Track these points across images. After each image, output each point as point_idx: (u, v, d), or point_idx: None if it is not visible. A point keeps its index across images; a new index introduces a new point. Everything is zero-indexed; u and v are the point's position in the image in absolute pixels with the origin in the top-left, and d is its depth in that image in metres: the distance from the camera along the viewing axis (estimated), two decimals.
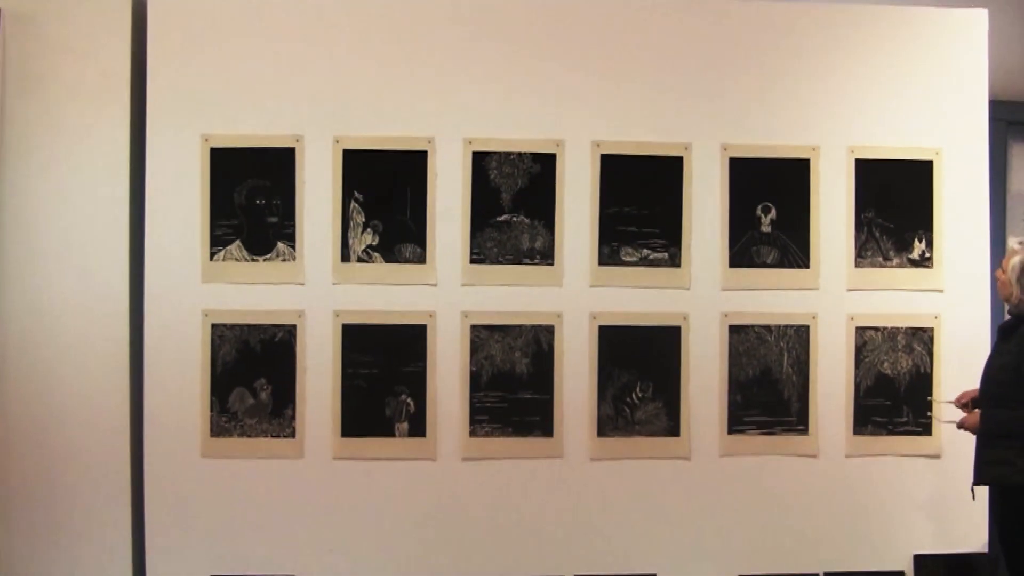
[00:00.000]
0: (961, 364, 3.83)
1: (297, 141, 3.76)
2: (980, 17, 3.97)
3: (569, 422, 3.81)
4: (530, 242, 3.80)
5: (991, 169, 4.00)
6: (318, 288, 3.76)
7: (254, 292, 3.76)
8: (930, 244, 3.92)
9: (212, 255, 3.75)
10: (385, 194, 3.77)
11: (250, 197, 3.76)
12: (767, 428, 3.86)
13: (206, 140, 3.75)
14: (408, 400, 3.77)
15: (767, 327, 3.86)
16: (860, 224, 3.89)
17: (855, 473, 3.89)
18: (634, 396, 3.83)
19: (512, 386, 3.78)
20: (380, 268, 3.77)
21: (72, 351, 3.71)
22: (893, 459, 3.90)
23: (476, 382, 3.78)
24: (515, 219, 3.80)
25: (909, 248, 3.92)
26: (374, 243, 3.77)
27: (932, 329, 3.90)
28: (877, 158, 3.90)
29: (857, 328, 3.88)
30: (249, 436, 3.75)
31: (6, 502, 3.70)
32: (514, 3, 3.83)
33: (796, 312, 3.87)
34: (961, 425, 3.50)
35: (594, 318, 3.81)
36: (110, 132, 3.72)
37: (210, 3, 3.75)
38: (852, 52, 3.92)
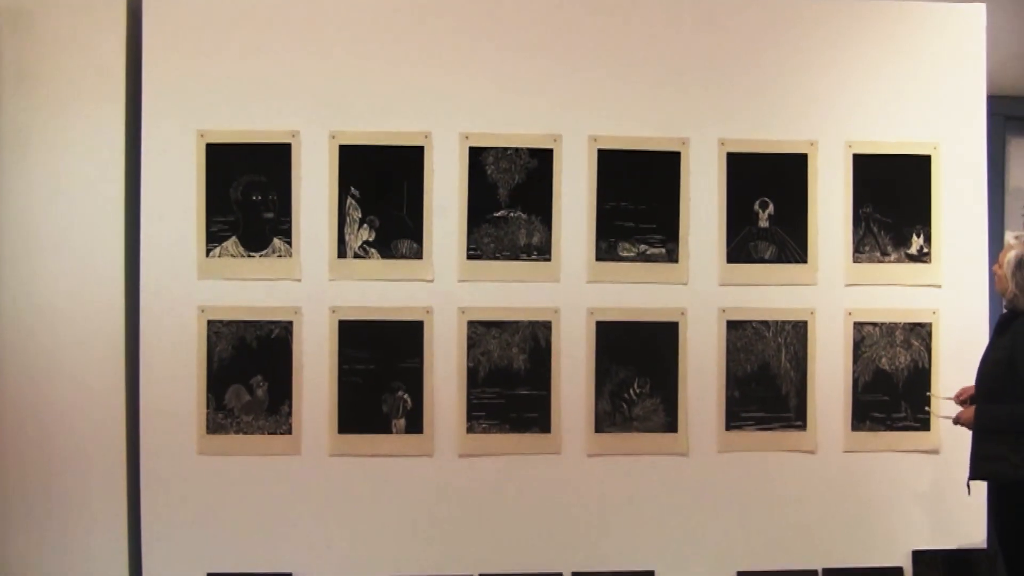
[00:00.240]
0: (959, 359, 3.83)
1: (293, 136, 3.75)
2: (978, 12, 3.97)
3: (567, 418, 3.80)
4: (527, 238, 3.79)
5: (989, 164, 3.99)
6: (314, 284, 3.75)
7: (250, 288, 3.75)
8: (928, 239, 3.91)
9: (208, 251, 3.73)
10: (382, 190, 3.76)
11: (246, 193, 3.75)
12: (765, 424, 3.86)
13: (202, 136, 3.73)
14: (405, 396, 3.76)
15: (765, 322, 3.86)
16: (858, 219, 3.89)
17: (853, 469, 3.88)
18: (632, 392, 3.82)
19: (509, 382, 3.77)
20: (377, 264, 3.76)
21: (68, 348, 3.70)
22: (891, 455, 3.90)
23: (473, 378, 3.77)
24: (512, 214, 3.79)
25: (907, 243, 3.91)
26: (371, 239, 3.76)
27: (930, 324, 3.89)
28: (875, 153, 3.90)
29: (855, 323, 3.88)
30: (245, 433, 3.74)
31: (2, 499, 3.69)
32: None
33: (794, 307, 3.87)
34: (957, 420, 3.50)
35: (591, 314, 3.80)
36: (106, 128, 3.71)
37: None
38: (850, 47, 3.91)
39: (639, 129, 3.83)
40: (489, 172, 3.79)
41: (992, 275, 3.60)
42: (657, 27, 3.85)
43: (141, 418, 3.72)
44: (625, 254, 3.82)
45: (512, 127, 3.79)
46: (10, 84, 3.70)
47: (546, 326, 3.79)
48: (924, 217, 3.91)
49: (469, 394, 3.77)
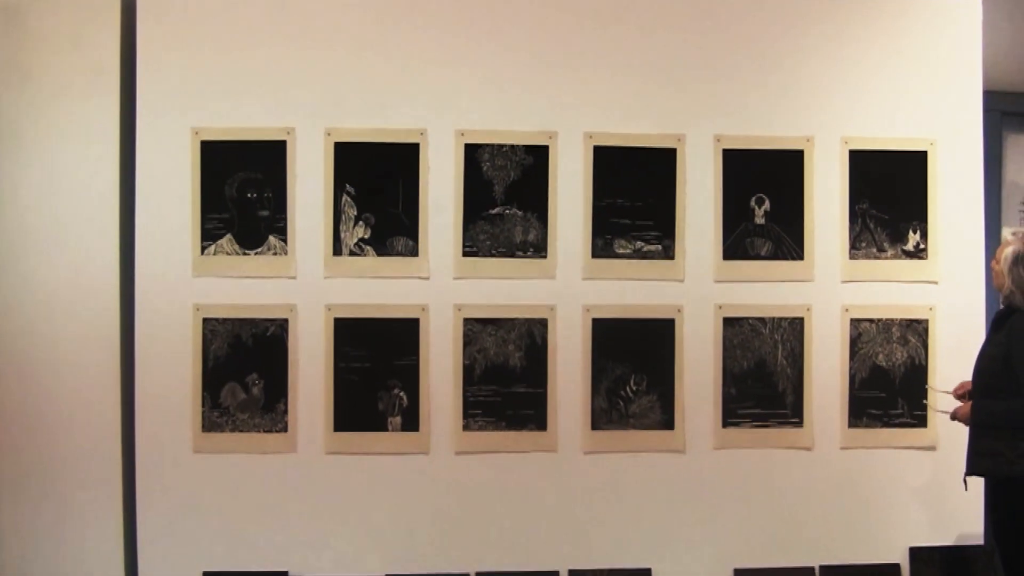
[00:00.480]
0: (956, 355, 3.81)
1: (288, 134, 3.74)
2: (974, 7, 3.96)
3: (563, 416, 3.79)
4: (523, 235, 3.78)
5: (986, 160, 3.98)
6: (310, 282, 3.74)
7: (245, 286, 3.74)
8: (924, 235, 3.91)
9: (203, 249, 3.72)
10: (377, 187, 3.75)
11: (241, 190, 3.74)
12: (762, 421, 3.85)
13: (196, 133, 3.72)
14: (401, 394, 3.75)
15: (761, 319, 3.85)
16: (854, 215, 3.88)
17: (850, 465, 3.88)
18: (628, 389, 3.81)
19: (505, 380, 3.77)
20: (372, 261, 3.75)
21: (62, 346, 3.69)
22: (888, 451, 3.89)
23: (469, 376, 3.76)
24: (508, 212, 3.78)
25: (903, 239, 3.90)
26: (366, 236, 3.75)
27: (927, 321, 3.89)
28: (871, 149, 3.89)
29: (852, 320, 3.87)
30: (241, 431, 3.73)
31: None
32: None
33: (790, 304, 3.86)
34: (954, 416, 3.49)
35: (588, 311, 3.80)
36: (100, 125, 3.70)
37: None
38: (846, 43, 3.90)
39: (635, 126, 3.82)
40: (485, 169, 3.78)
41: (989, 271, 3.60)
42: (653, 24, 3.84)
43: (136, 416, 3.71)
44: (621, 251, 3.81)
45: (508, 124, 3.78)
46: (4, 81, 3.68)
47: (542, 323, 3.78)
48: (920, 213, 3.91)
49: (465, 392, 3.76)
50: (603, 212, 3.79)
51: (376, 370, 3.74)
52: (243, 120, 3.72)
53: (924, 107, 3.92)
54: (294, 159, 3.73)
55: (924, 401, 3.84)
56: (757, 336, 3.85)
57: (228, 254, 3.73)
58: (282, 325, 3.73)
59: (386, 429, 3.75)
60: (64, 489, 3.69)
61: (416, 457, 3.76)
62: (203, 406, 3.72)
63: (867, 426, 3.88)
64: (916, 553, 3.88)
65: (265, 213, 3.74)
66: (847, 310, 3.87)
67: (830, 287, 3.87)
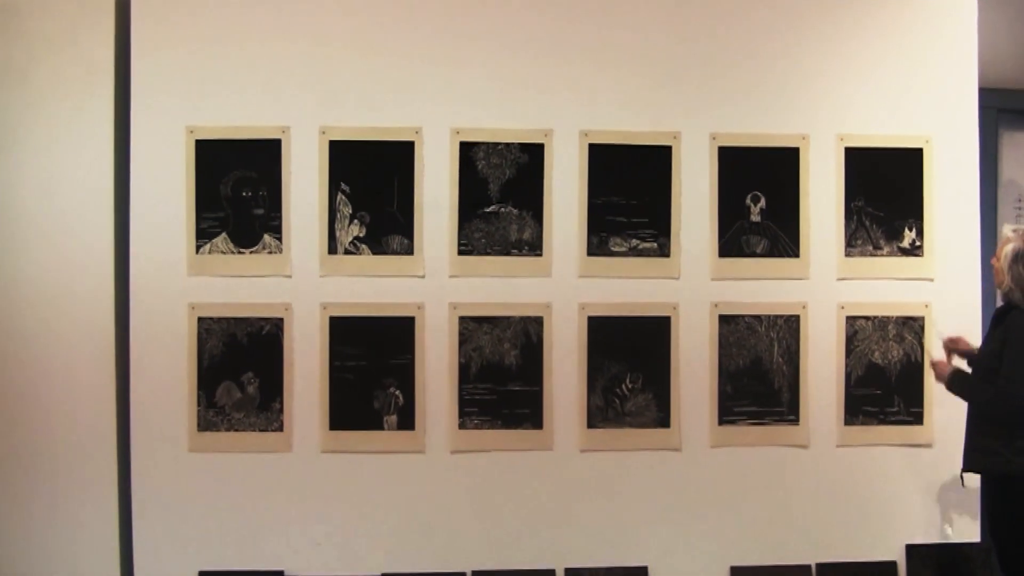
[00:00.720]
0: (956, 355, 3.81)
1: (283, 132, 3.73)
2: (969, 4, 3.95)
3: (559, 414, 3.79)
4: (518, 233, 3.78)
5: (982, 157, 3.98)
6: (305, 280, 3.73)
7: (240, 285, 3.73)
8: (920, 233, 3.90)
9: (198, 248, 3.72)
10: (372, 185, 3.74)
11: (236, 189, 3.73)
12: (758, 419, 3.85)
13: (191, 132, 3.72)
14: (396, 393, 3.75)
15: (757, 317, 3.85)
16: (850, 213, 3.88)
17: (846, 463, 3.87)
18: (624, 387, 3.80)
19: (501, 378, 3.76)
20: (367, 260, 3.74)
21: (58, 346, 3.69)
22: (884, 449, 3.89)
23: (465, 374, 3.76)
24: (503, 210, 3.77)
25: (899, 237, 3.90)
26: (361, 235, 3.75)
27: (923, 318, 3.88)
28: (867, 146, 3.89)
29: (848, 317, 3.87)
30: (236, 430, 3.72)
31: None
32: None
33: (786, 302, 3.86)
34: (934, 365, 3.58)
35: (583, 309, 3.79)
36: (94, 124, 3.70)
37: None
38: (841, 40, 3.90)
39: (630, 123, 3.82)
40: (480, 167, 3.77)
41: (986, 268, 3.60)
42: (648, 22, 3.84)
43: (132, 415, 3.71)
44: (616, 249, 3.80)
45: (503, 122, 3.78)
46: None
47: (538, 321, 3.77)
48: (916, 211, 3.90)
49: (461, 390, 3.75)
50: (598, 210, 3.79)
51: (372, 369, 3.74)
52: (238, 119, 3.72)
53: (920, 104, 3.92)
54: (289, 157, 3.73)
55: (921, 344, 3.74)
56: (753, 334, 3.85)
57: (223, 253, 3.73)
58: (277, 324, 3.72)
59: (382, 428, 3.75)
60: (59, 489, 3.69)
61: (412, 456, 3.76)
62: (198, 405, 3.71)
63: (863, 424, 3.87)
64: (912, 550, 3.88)
65: (260, 212, 3.73)
66: (843, 307, 3.87)
67: (826, 284, 3.87)
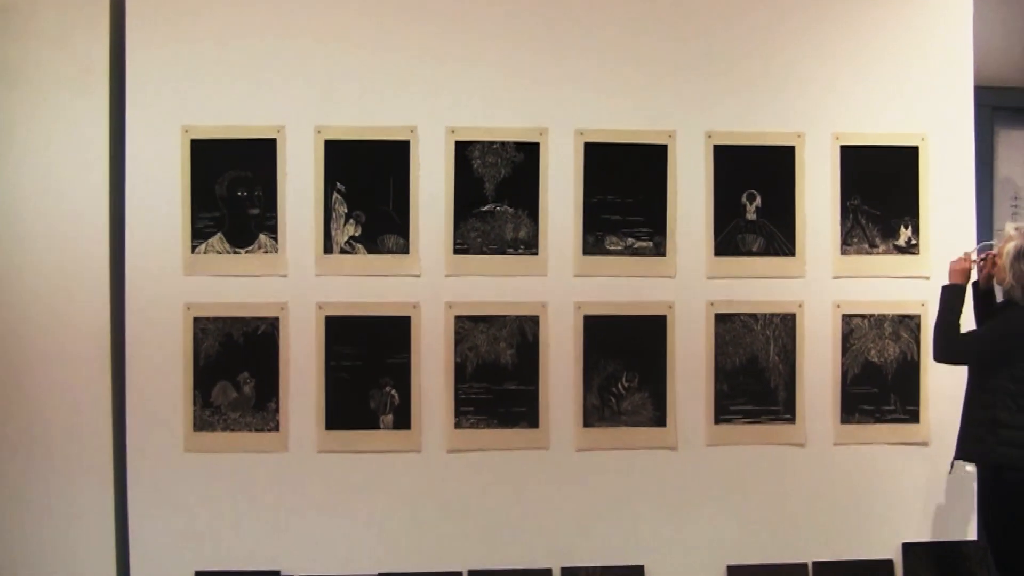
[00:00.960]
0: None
1: (279, 132, 3.73)
2: (964, 2, 3.95)
3: (555, 413, 3.78)
4: (514, 232, 3.78)
5: (978, 155, 3.98)
6: (301, 280, 3.73)
7: (236, 285, 3.73)
8: (916, 231, 3.90)
9: (194, 248, 3.72)
10: (368, 185, 3.74)
11: (231, 189, 3.73)
12: (754, 417, 3.84)
13: (186, 131, 3.72)
14: (392, 392, 3.75)
15: (753, 315, 3.84)
16: (846, 211, 3.88)
17: (843, 462, 3.87)
18: (620, 386, 3.80)
19: (497, 377, 3.76)
20: (363, 259, 3.74)
21: (53, 346, 3.68)
22: (881, 447, 3.89)
23: (461, 373, 3.75)
24: (499, 209, 3.77)
25: (895, 235, 3.90)
26: (357, 234, 3.74)
27: (919, 316, 3.88)
28: (862, 145, 3.89)
29: (843, 316, 3.87)
30: (233, 430, 3.72)
31: None
32: None
33: (782, 300, 3.86)
34: (957, 261, 3.58)
35: (579, 308, 3.79)
36: (89, 124, 3.70)
37: None
38: (837, 38, 3.90)
39: (626, 122, 3.81)
40: (475, 166, 3.77)
41: (981, 267, 3.59)
42: (643, 20, 3.83)
43: (127, 416, 3.70)
44: (612, 248, 3.80)
45: (498, 121, 3.78)
46: None
47: (533, 320, 3.77)
48: (912, 209, 3.90)
49: (457, 389, 3.75)
50: (594, 209, 3.79)
51: (368, 368, 3.73)
52: (233, 118, 3.72)
53: (915, 102, 3.91)
54: (284, 157, 3.73)
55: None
56: (749, 332, 3.85)
57: (219, 253, 3.72)
58: (273, 323, 3.72)
59: (378, 427, 3.74)
60: (56, 489, 3.69)
61: (408, 455, 3.76)
62: (194, 405, 3.71)
63: (860, 422, 3.87)
64: (909, 549, 3.88)
65: (255, 211, 3.73)
66: (839, 306, 3.87)
67: (822, 283, 3.87)
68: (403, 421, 3.75)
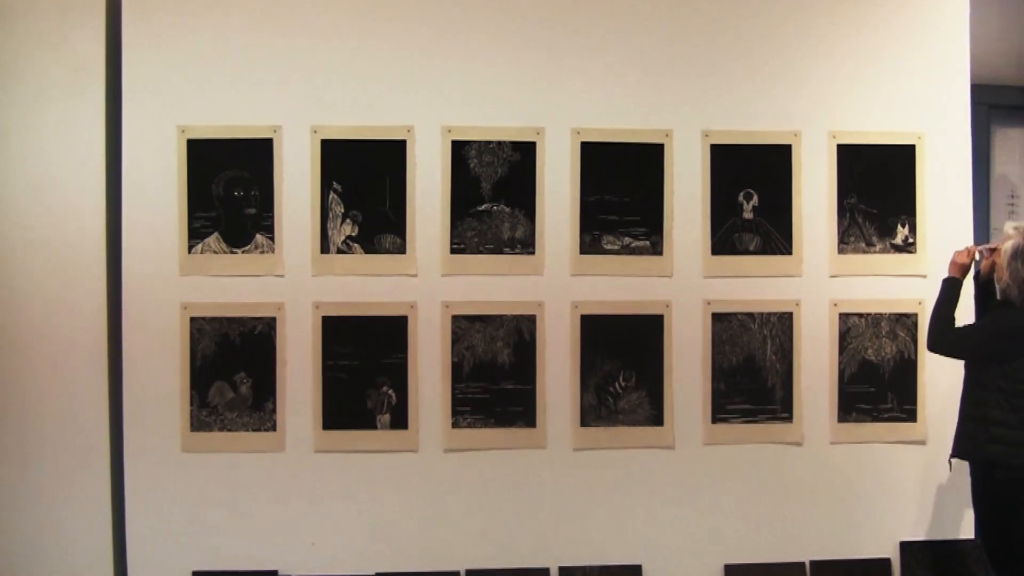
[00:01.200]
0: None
1: (275, 132, 3.73)
2: (961, 1, 3.95)
3: (552, 412, 3.78)
4: (511, 231, 3.77)
5: (974, 153, 3.98)
6: (297, 280, 3.73)
7: (233, 285, 3.73)
8: (913, 229, 3.90)
9: (190, 248, 3.72)
10: (364, 184, 3.74)
11: (228, 188, 3.73)
12: (751, 416, 3.84)
13: (183, 131, 3.71)
14: (389, 392, 3.75)
15: (750, 314, 3.84)
16: (842, 210, 3.88)
17: (840, 460, 3.87)
18: (617, 385, 3.80)
19: (494, 377, 3.76)
20: (360, 259, 3.74)
21: (50, 346, 3.68)
22: (878, 446, 3.89)
23: (458, 373, 3.75)
24: (495, 208, 3.77)
25: (892, 233, 3.90)
26: (353, 234, 3.74)
27: (916, 315, 3.88)
28: (859, 143, 3.88)
29: (840, 314, 3.87)
30: (230, 430, 3.72)
31: None
32: None
33: (779, 299, 3.86)
34: (960, 253, 3.58)
35: (576, 307, 3.79)
36: (85, 124, 3.70)
37: None
38: (833, 37, 3.89)
39: (622, 121, 3.81)
40: (472, 166, 3.77)
41: (978, 265, 3.59)
42: (639, 19, 3.83)
43: (124, 416, 3.70)
44: (609, 247, 3.80)
45: (494, 120, 3.77)
46: None
47: (530, 320, 3.77)
48: (909, 207, 3.90)
49: (454, 389, 3.75)
50: (591, 208, 3.79)
51: (364, 368, 3.73)
52: (229, 118, 3.72)
53: (912, 101, 3.91)
54: (281, 157, 3.73)
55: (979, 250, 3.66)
56: (746, 331, 3.85)
57: (215, 252, 3.72)
58: (270, 323, 3.72)
59: (375, 427, 3.74)
60: (53, 489, 3.69)
61: (405, 455, 3.76)
62: (191, 405, 3.71)
63: (857, 421, 3.87)
64: (906, 547, 3.88)
65: (252, 211, 3.73)
66: (836, 305, 3.87)
67: (819, 282, 3.87)
68: (400, 421, 3.74)
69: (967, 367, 3.51)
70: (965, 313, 3.65)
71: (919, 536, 3.90)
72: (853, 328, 3.87)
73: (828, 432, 3.87)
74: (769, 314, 3.85)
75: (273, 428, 3.73)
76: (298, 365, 3.73)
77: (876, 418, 3.88)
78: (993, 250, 3.51)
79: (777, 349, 3.85)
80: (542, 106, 3.79)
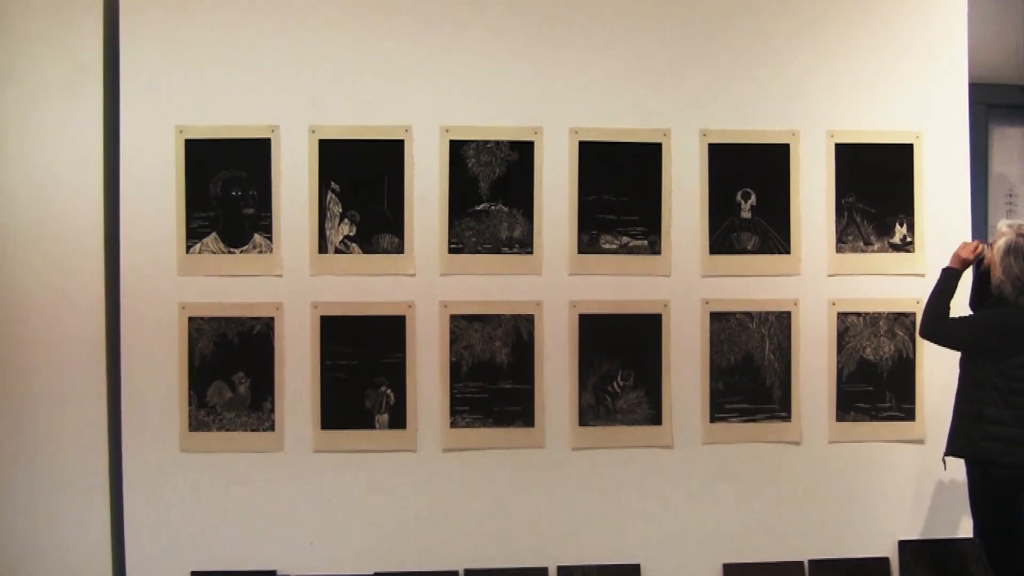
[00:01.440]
0: (944, 349, 3.80)
1: (272, 131, 3.73)
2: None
3: (550, 412, 3.78)
4: (509, 231, 3.77)
5: (972, 152, 3.98)
6: (296, 280, 3.73)
7: (231, 284, 3.73)
8: (911, 228, 3.90)
9: (188, 248, 3.72)
10: (362, 184, 3.74)
11: (226, 188, 3.73)
12: (749, 415, 3.84)
13: (180, 132, 3.71)
14: (388, 391, 3.75)
15: (748, 314, 3.84)
16: (841, 209, 3.87)
17: (838, 459, 3.87)
18: (615, 385, 3.80)
19: (492, 376, 3.76)
20: (358, 259, 3.74)
21: (48, 346, 3.68)
22: (876, 445, 3.89)
23: (456, 372, 3.75)
24: (493, 208, 3.77)
25: (890, 233, 3.90)
26: (351, 233, 3.74)
27: (914, 314, 3.87)
28: (857, 142, 3.88)
29: (839, 314, 3.87)
30: (228, 430, 3.72)
31: None
32: None
33: (777, 298, 3.85)
34: (963, 247, 3.56)
35: (574, 306, 3.79)
36: (83, 125, 3.69)
37: None
38: (831, 36, 3.89)
39: (620, 121, 3.81)
40: (470, 165, 3.77)
41: (976, 264, 3.59)
42: (638, 18, 3.83)
43: (123, 416, 3.70)
44: (607, 246, 3.80)
45: (493, 120, 3.77)
46: None
47: (528, 319, 3.77)
48: (907, 206, 3.90)
49: (452, 388, 3.75)
50: (589, 207, 3.79)
51: (363, 368, 3.73)
52: (227, 118, 3.72)
53: (910, 100, 3.91)
54: (279, 157, 3.72)
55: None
56: (744, 331, 3.84)
57: (213, 252, 3.72)
58: (268, 323, 3.72)
59: (373, 427, 3.74)
60: (51, 489, 3.69)
61: (403, 455, 3.76)
62: (189, 405, 3.71)
63: (855, 420, 3.87)
64: (905, 546, 3.88)
65: (250, 211, 3.73)
66: (834, 304, 3.87)
67: (817, 281, 3.87)
68: (398, 420, 3.74)
69: (962, 365, 3.50)
70: (960, 305, 3.66)
71: (917, 535, 3.90)
72: (851, 327, 3.87)
73: (826, 431, 3.87)
74: (767, 313, 3.85)
75: (271, 428, 3.73)
76: (296, 365, 3.73)
77: (874, 417, 3.88)
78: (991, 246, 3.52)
79: (775, 348, 3.85)
80: (540, 105, 3.79)
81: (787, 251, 3.86)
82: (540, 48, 3.79)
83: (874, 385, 3.88)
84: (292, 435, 3.73)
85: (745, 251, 3.84)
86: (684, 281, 3.82)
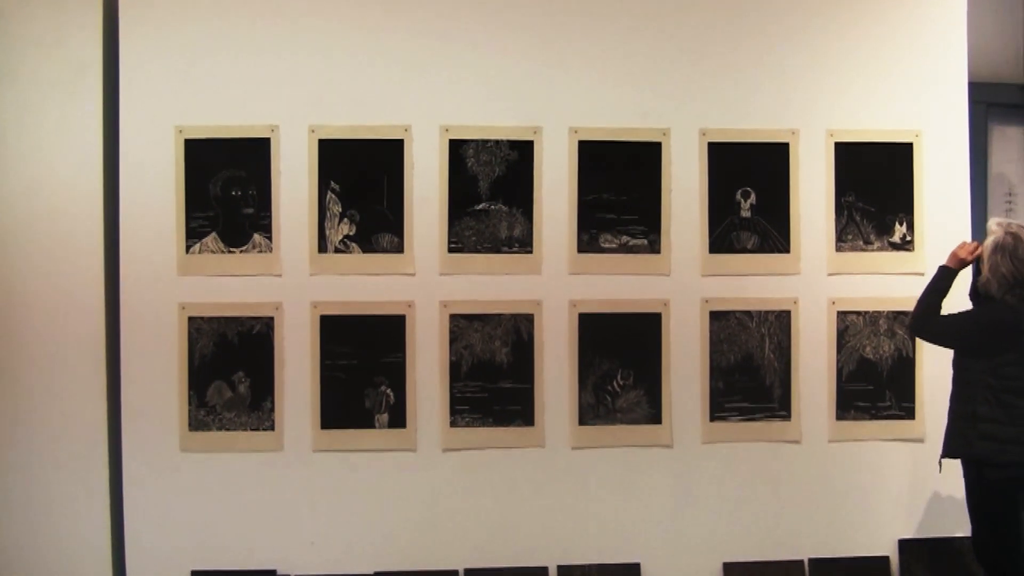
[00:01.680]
0: (943, 348, 3.80)
1: (272, 131, 3.73)
2: None
3: (550, 411, 3.78)
4: (508, 230, 3.77)
5: (972, 151, 3.98)
6: (295, 279, 3.73)
7: (231, 284, 3.73)
8: (911, 227, 3.90)
9: (188, 248, 3.72)
10: (362, 183, 3.74)
11: (225, 188, 3.73)
12: (749, 414, 3.84)
13: (180, 131, 3.71)
14: (388, 391, 3.75)
15: (748, 313, 3.84)
16: (840, 208, 3.88)
17: (838, 458, 3.87)
18: (615, 384, 3.80)
19: (492, 375, 3.76)
20: (358, 258, 3.74)
21: (48, 346, 3.68)
22: (876, 444, 3.89)
23: (456, 372, 3.75)
24: (493, 207, 3.77)
25: (890, 231, 3.90)
26: (351, 233, 3.74)
27: None
28: (857, 141, 3.88)
29: (839, 313, 3.87)
30: (228, 429, 3.72)
31: None
32: None
33: (777, 297, 3.86)
34: (962, 247, 3.53)
35: (574, 306, 3.79)
36: (82, 125, 3.70)
37: None
38: (831, 35, 3.89)
39: (620, 120, 3.81)
40: (469, 165, 3.77)
41: (975, 263, 3.59)
42: (637, 18, 3.83)
43: (123, 415, 3.70)
44: (607, 245, 3.80)
45: (492, 119, 3.77)
46: None
47: (528, 319, 3.77)
48: (907, 205, 3.90)
49: (452, 388, 3.75)
50: (588, 207, 3.79)
51: (362, 367, 3.73)
52: (227, 118, 3.72)
53: (910, 99, 3.91)
54: (278, 156, 3.73)
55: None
56: (744, 330, 3.85)
57: (213, 252, 3.72)
58: (268, 323, 3.72)
59: (373, 426, 3.74)
60: (51, 489, 3.69)
61: (403, 454, 3.76)
62: (189, 405, 3.71)
63: (855, 419, 3.87)
64: (905, 545, 3.88)
65: (250, 211, 3.73)
66: (834, 303, 3.87)
67: (817, 280, 3.87)
68: (398, 420, 3.75)
69: (955, 365, 3.50)
70: (960, 297, 3.66)
71: (917, 534, 3.90)
72: (851, 326, 3.87)
73: (826, 430, 3.87)
74: (767, 312, 3.85)
75: (271, 427, 3.73)
76: (296, 364, 3.73)
77: (874, 416, 3.88)
78: None
79: (775, 347, 3.85)
80: (539, 105, 3.79)
81: (787, 250, 3.86)
82: (540, 48, 3.79)
83: (874, 384, 3.88)
84: (292, 435, 3.73)
85: (745, 250, 3.85)
86: (684, 280, 3.82)
